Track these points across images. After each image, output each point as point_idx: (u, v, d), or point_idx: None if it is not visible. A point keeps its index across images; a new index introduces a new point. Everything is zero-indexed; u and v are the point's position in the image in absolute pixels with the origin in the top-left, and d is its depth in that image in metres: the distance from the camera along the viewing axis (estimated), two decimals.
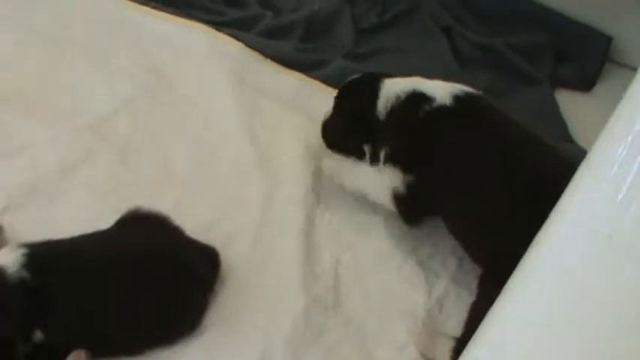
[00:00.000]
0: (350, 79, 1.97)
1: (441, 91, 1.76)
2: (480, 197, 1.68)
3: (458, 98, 1.74)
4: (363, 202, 1.93)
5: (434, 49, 2.50)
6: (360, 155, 1.92)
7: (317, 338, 1.65)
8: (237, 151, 2.02)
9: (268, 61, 2.36)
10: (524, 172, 1.63)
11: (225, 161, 2.05)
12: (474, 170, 1.69)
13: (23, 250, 1.51)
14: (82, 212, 1.89)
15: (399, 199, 1.80)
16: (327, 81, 2.26)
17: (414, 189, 1.77)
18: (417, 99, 1.76)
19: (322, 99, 2.18)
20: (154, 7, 2.56)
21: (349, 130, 1.92)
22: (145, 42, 2.44)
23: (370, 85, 1.87)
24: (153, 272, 1.58)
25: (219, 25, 2.50)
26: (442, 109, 1.72)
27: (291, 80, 2.31)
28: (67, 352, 1.50)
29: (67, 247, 1.59)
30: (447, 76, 2.33)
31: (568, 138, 2.25)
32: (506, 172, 1.64)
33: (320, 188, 2.00)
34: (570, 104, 2.40)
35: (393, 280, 1.79)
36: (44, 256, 1.52)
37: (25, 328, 1.48)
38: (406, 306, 1.75)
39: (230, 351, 1.61)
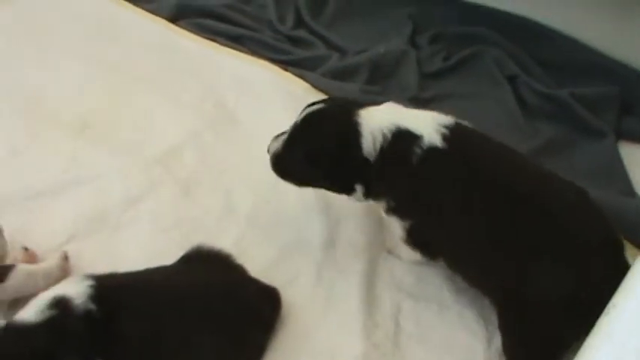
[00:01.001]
0: (315, 108, 1.78)
1: (426, 127, 1.66)
2: (484, 236, 1.62)
3: (445, 135, 1.65)
4: None
5: (498, 97, 2.47)
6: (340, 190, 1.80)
7: None
8: (300, 192, 2.01)
9: None
10: (527, 205, 1.58)
11: (287, 201, 2.05)
12: (474, 210, 1.62)
13: (90, 282, 1.53)
14: (146, 245, 1.92)
15: (407, 243, 1.80)
16: None
17: (414, 234, 1.75)
18: (406, 139, 1.65)
19: None
20: (222, 44, 2.61)
21: (334, 170, 1.74)
22: (211, 77, 2.50)
23: (348, 120, 1.71)
24: (215, 310, 1.58)
25: (284, 63, 2.53)
26: (433, 151, 1.63)
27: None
28: None
29: (133, 280, 1.60)
30: (511, 125, 2.34)
31: (631, 192, 2.19)
32: (507, 207, 1.59)
33: (382, 236, 1.97)
34: (634, 158, 2.34)
35: (453, 329, 1.75)
36: (110, 289, 1.53)
37: (88, 358, 1.48)
38: (466, 355, 1.71)
39: None
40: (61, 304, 1.48)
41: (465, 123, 1.74)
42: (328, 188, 1.82)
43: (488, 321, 1.78)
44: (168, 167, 2.13)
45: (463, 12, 2.78)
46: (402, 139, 1.66)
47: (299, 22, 2.85)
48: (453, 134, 1.66)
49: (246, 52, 2.58)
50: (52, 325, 1.45)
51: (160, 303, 1.55)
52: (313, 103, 1.79)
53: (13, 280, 1.69)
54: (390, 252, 1.89)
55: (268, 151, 1.83)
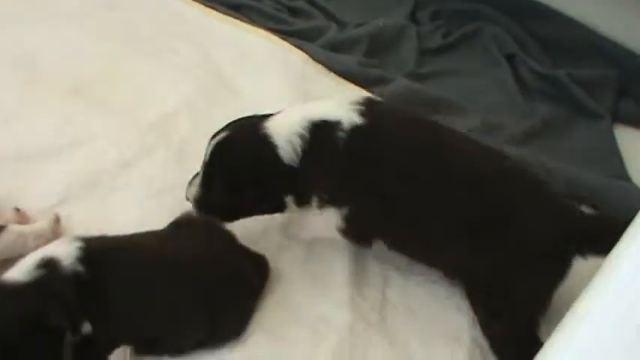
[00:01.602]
0: (220, 138, 1.69)
1: (340, 109, 1.61)
2: (421, 208, 1.60)
3: (362, 111, 1.60)
4: None
5: (496, 75, 2.46)
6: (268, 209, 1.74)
7: (360, 355, 1.63)
8: None
9: (331, 74, 2.36)
10: (459, 171, 1.58)
11: None
12: (406, 183, 1.59)
13: (79, 244, 1.52)
14: (137, 209, 1.91)
15: (343, 233, 1.71)
16: (388, 98, 2.21)
17: (353, 219, 1.67)
18: (325, 129, 1.60)
19: None
20: (221, 12, 2.59)
21: (259, 191, 1.67)
22: (208, 44, 2.48)
23: (257, 138, 1.64)
24: (202, 276, 1.58)
25: (283, 34, 2.51)
26: (356, 129, 1.58)
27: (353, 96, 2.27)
28: (114, 347, 1.52)
29: (122, 244, 1.60)
30: (508, 104, 2.33)
31: (625, 175, 2.19)
32: (441, 176, 1.58)
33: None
34: (630, 141, 2.33)
35: (439, 305, 1.76)
36: (99, 251, 1.53)
37: (75, 320, 1.48)
38: (451, 331, 1.71)
39: None
40: (49, 264, 1.47)
41: (375, 97, 1.73)
42: (260, 213, 1.76)
43: None
44: (162, 133, 2.12)
45: None
46: (321, 131, 1.60)
47: None
48: (369, 109, 1.62)
49: (245, 21, 2.55)
50: (40, 285, 1.44)
51: (148, 268, 1.55)
52: (216, 134, 1.71)
53: (4, 240, 1.69)
54: (293, 235, 1.83)
55: (188, 198, 1.76)
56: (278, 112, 1.69)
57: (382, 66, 2.45)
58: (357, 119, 1.58)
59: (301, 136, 1.59)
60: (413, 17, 2.71)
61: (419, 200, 1.58)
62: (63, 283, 1.47)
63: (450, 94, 2.33)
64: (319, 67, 2.36)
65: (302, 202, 1.67)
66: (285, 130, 1.61)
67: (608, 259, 1.16)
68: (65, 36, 2.43)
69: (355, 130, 1.58)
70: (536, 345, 1.44)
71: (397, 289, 1.78)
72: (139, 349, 1.56)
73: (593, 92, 2.36)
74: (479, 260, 1.59)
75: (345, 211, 1.64)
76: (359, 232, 1.71)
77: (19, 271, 1.48)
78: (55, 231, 1.79)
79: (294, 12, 2.73)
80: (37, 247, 1.61)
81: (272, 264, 1.75)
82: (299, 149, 1.59)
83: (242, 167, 1.66)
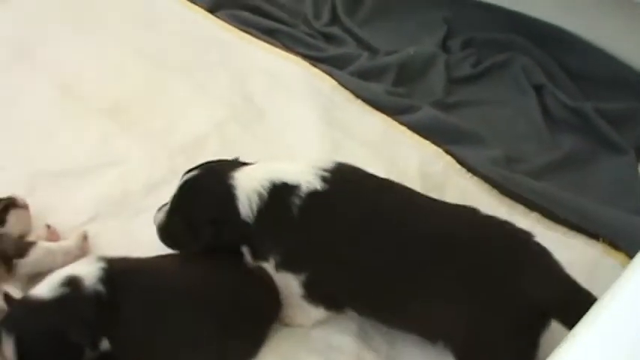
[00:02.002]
0: (190, 175, 1.73)
1: (303, 174, 1.62)
2: (380, 272, 1.58)
3: (325, 178, 1.61)
4: None
5: (523, 105, 2.47)
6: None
7: None
8: None
9: (359, 101, 2.38)
10: (421, 236, 1.56)
11: None
12: (369, 249, 1.58)
13: (102, 265, 1.60)
14: None
15: (305, 299, 1.68)
16: (414, 127, 2.26)
17: (312, 287, 1.65)
18: (282, 192, 1.61)
19: (406, 145, 2.22)
20: (256, 36, 2.66)
21: (214, 237, 1.68)
22: (241, 68, 2.54)
23: (222, 185, 1.66)
24: (217, 303, 1.63)
25: (315, 60, 2.56)
26: (313, 195, 1.59)
27: (378, 123, 2.31)
28: None
29: (143, 266, 1.68)
30: (533, 135, 2.33)
31: None
32: (401, 241, 1.56)
33: None
34: None
35: None
36: (119, 273, 1.61)
37: (94, 337, 1.56)
38: None
39: None
40: (72, 283, 1.56)
41: (348, 163, 1.70)
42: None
43: None
44: (191, 156, 2.17)
45: (498, 18, 2.77)
46: (278, 194, 1.62)
47: (334, 19, 2.90)
48: (334, 175, 1.63)
49: (278, 47, 2.61)
50: (63, 302, 1.53)
51: (166, 291, 1.61)
52: (190, 170, 1.76)
53: (33, 256, 1.77)
54: (289, 324, 1.76)
55: (155, 222, 1.80)
56: (253, 164, 1.73)
57: (410, 94, 2.49)
58: (316, 185, 1.60)
59: (259, 195, 1.62)
60: (444, 45, 2.74)
61: (380, 266, 1.57)
62: (84, 301, 1.55)
63: (475, 124, 2.34)
64: (347, 94, 2.40)
65: (257, 257, 1.69)
66: (248, 185, 1.64)
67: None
68: (105, 59, 2.55)
69: (311, 196, 1.59)
70: None
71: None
72: None
73: (618, 126, 2.34)
74: (453, 323, 1.56)
75: (302, 277, 1.64)
76: (322, 300, 1.69)
77: (45, 288, 1.57)
78: (83, 248, 1.86)
79: (328, 38, 2.79)
80: (64, 263, 1.72)
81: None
82: (255, 208, 1.62)
83: (201, 209, 1.70)
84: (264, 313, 1.71)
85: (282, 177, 1.64)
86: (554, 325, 1.54)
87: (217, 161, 1.80)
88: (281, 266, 1.65)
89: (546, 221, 1.99)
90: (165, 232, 1.78)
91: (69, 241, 1.86)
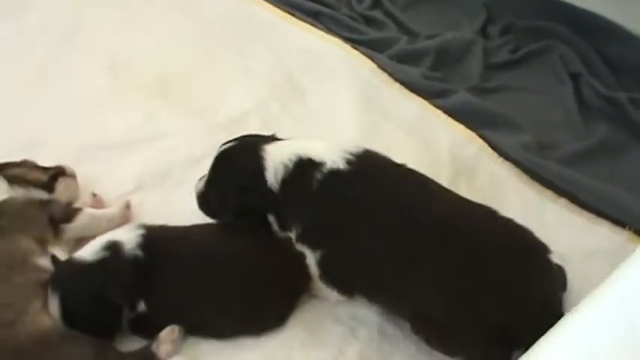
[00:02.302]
0: (226, 147, 1.83)
1: (330, 154, 1.67)
2: (391, 260, 1.61)
3: (350, 160, 1.66)
4: None
5: (558, 93, 2.48)
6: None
7: (385, 356, 1.71)
8: None
9: (396, 84, 2.42)
10: (435, 224, 1.59)
11: None
12: (378, 235, 1.61)
13: (141, 231, 1.71)
14: None
15: (321, 280, 1.74)
16: (449, 111, 2.30)
17: (327, 266, 1.71)
18: (306, 167, 1.68)
19: (440, 128, 2.25)
20: (298, 18, 2.72)
21: (243, 204, 1.76)
22: (283, 49, 2.60)
23: (253, 155, 1.74)
24: (247, 271, 1.71)
25: (356, 42, 2.61)
26: (334, 175, 1.65)
27: (414, 107, 2.34)
28: (165, 325, 1.66)
29: (180, 234, 1.77)
30: (566, 123, 2.35)
31: None
32: (417, 229, 1.59)
33: None
34: None
35: None
36: (158, 240, 1.71)
37: (132, 298, 1.66)
38: None
39: (306, 351, 1.70)
40: (113, 247, 1.66)
41: (376, 150, 1.73)
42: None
43: None
44: (232, 132, 2.19)
45: (538, 5, 2.77)
46: (302, 167, 1.68)
47: (376, 3, 2.93)
48: (359, 159, 1.67)
49: (320, 29, 2.66)
50: (104, 265, 1.63)
51: (200, 258, 1.70)
52: (227, 142, 1.85)
53: (79, 221, 1.86)
54: (316, 295, 1.80)
55: (195, 191, 1.90)
56: (287, 139, 1.81)
57: (447, 79, 2.52)
58: (340, 164, 1.65)
59: (285, 167, 1.69)
60: (484, 31, 2.76)
61: (389, 251, 1.61)
62: (123, 265, 1.65)
63: (508, 110, 2.36)
64: (386, 76, 2.44)
65: (283, 227, 1.76)
66: (277, 157, 1.71)
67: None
68: (152, 37, 2.64)
69: (332, 174, 1.65)
70: None
71: None
72: (186, 330, 1.69)
73: None
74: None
75: (317, 255, 1.70)
76: (336, 283, 1.74)
77: (88, 252, 1.68)
78: (125, 216, 1.94)
79: (369, 21, 2.83)
80: (108, 229, 1.80)
81: None
82: (279, 177, 1.69)
83: (231, 176, 1.79)
84: (293, 284, 1.78)
85: (309, 153, 1.70)
86: None
87: (253, 135, 1.88)
88: (299, 239, 1.72)
89: (574, 207, 2.01)
90: (202, 199, 1.88)
91: (113, 209, 1.94)
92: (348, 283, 1.73)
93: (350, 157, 1.67)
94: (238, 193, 1.76)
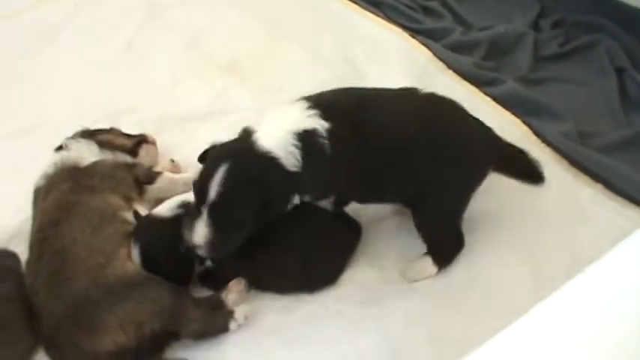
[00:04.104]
0: (228, 168, 1.66)
1: (306, 119, 1.72)
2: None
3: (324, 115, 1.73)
4: None
5: (602, 86, 2.55)
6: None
7: (432, 320, 1.83)
8: None
9: (450, 72, 2.53)
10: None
11: None
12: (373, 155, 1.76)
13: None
14: None
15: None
16: (497, 99, 2.41)
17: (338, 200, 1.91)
18: (309, 136, 1.70)
19: (488, 114, 2.29)
20: (362, 7, 2.88)
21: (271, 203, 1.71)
22: (347, 35, 2.76)
23: (259, 158, 1.68)
24: (299, 230, 1.84)
25: (414, 31, 2.74)
26: (330, 132, 1.71)
27: (465, 93, 2.43)
28: (229, 280, 1.84)
29: None
30: (607, 115, 2.45)
31: None
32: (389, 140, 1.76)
33: None
34: None
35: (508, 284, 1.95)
36: None
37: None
38: None
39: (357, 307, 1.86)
40: (187, 206, 1.82)
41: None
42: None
43: None
44: None
45: (588, 2, 2.84)
46: (308, 138, 1.70)
47: None
48: (325, 110, 1.74)
49: (381, 17, 2.80)
50: (178, 221, 1.78)
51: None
52: (215, 164, 1.71)
53: (159, 183, 2.04)
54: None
55: (193, 248, 1.71)
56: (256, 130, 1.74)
57: (497, 69, 2.61)
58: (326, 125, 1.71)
59: (296, 146, 1.68)
60: (536, 24, 2.84)
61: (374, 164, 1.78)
62: None
63: (553, 100, 2.44)
64: (440, 64, 2.56)
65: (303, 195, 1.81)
66: (276, 141, 1.68)
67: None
68: (227, 19, 2.84)
69: (330, 132, 1.71)
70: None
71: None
72: (250, 283, 1.86)
73: None
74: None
75: (332, 198, 1.89)
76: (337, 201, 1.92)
77: (164, 209, 1.86)
78: None
79: (427, 11, 2.95)
80: (183, 191, 1.96)
81: (368, 232, 2.00)
82: (297, 153, 1.68)
83: (253, 194, 1.67)
84: (344, 243, 1.93)
85: (299, 125, 1.71)
86: None
87: (214, 146, 1.81)
88: (316, 199, 1.86)
89: (608, 192, 2.10)
90: (223, 244, 1.71)
91: (188, 174, 2.08)
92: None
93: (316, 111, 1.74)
94: (262, 209, 1.69)
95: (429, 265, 1.91)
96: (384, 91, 1.92)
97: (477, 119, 1.92)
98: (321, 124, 1.71)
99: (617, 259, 1.23)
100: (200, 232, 1.67)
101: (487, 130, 1.92)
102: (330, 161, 1.72)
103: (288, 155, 1.67)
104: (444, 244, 1.93)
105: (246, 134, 1.73)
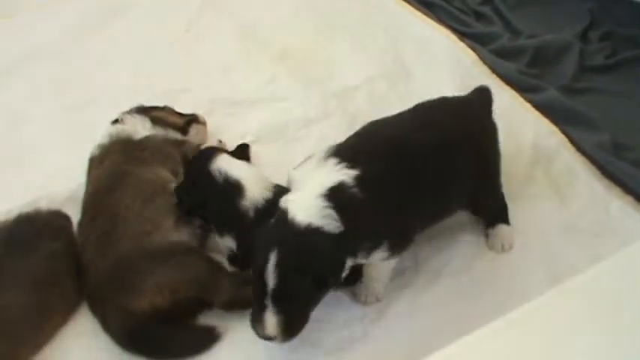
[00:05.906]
0: (283, 251, 1.60)
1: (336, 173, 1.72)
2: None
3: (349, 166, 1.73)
4: None
5: None
6: None
7: (468, 305, 1.91)
8: None
9: (493, 76, 2.58)
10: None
11: None
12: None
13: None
14: None
15: None
16: (537, 105, 2.45)
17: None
18: (337, 191, 1.68)
19: (526, 120, 2.40)
20: (415, 7, 2.96)
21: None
22: (397, 34, 2.84)
23: (300, 234, 1.63)
24: None
25: (462, 34, 2.80)
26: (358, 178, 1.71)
27: (506, 97, 2.47)
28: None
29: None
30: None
31: None
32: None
33: None
34: None
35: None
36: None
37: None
38: None
39: None
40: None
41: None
42: None
43: None
44: (342, 102, 2.52)
45: (638, 16, 2.87)
46: (335, 194, 1.69)
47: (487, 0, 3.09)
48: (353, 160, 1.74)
49: (432, 18, 2.88)
50: None
51: None
52: (268, 249, 1.62)
53: None
54: None
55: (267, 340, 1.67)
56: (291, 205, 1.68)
57: (540, 76, 2.64)
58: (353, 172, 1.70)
59: (328, 207, 1.65)
60: (584, 35, 2.86)
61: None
62: None
63: (591, 110, 2.46)
64: (485, 68, 2.61)
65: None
66: (314, 211, 1.64)
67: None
68: (280, 11, 2.98)
69: (358, 178, 1.70)
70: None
71: None
72: None
73: None
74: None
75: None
76: None
77: None
78: None
79: (478, 16, 3.01)
80: None
81: None
82: (336, 216, 1.64)
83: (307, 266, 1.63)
84: None
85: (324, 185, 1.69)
86: None
87: (262, 235, 1.69)
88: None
89: (638, 205, 2.12)
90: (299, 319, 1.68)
91: None
92: None
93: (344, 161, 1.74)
94: (320, 280, 1.66)
95: (506, 228, 2.06)
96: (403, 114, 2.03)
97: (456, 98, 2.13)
98: (347, 174, 1.70)
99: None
100: (270, 323, 1.63)
101: (468, 102, 2.11)
102: (367, 203, 1.69)
103: (327, 219, 1.63)
104: (505, 207, 2.08)
105: (282, 214, 1.67)
